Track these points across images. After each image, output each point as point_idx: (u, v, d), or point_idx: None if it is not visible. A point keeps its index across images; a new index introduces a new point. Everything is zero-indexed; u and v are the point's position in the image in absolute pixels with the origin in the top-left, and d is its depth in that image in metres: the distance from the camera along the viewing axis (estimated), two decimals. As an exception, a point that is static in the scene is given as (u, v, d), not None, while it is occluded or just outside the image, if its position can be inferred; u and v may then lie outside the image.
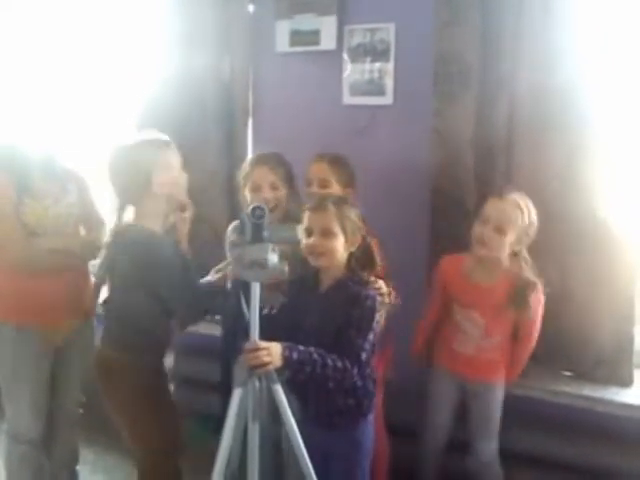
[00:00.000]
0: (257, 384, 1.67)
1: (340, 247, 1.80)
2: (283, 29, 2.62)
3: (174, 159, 2.00)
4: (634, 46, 2.09)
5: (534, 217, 2.07)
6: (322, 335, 1.78)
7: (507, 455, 2.33)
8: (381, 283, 1.97)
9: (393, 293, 2.03)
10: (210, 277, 2.07)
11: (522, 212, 2.04)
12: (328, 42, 2.55)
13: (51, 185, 2.18)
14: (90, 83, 3.19)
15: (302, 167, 2.26)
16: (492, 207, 2.08)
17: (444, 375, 2.28)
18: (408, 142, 2.51)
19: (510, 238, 2.05)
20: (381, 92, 2.53)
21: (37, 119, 2.22)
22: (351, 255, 1.84)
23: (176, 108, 2.72)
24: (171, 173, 1.97)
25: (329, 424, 1.87)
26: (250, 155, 2.30)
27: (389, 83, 2.51)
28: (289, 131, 2.68)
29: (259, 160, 2.24)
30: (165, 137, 2.02)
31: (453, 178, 2.37)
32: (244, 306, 1.70)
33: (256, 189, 2.17)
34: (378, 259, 1.87)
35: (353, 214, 1.82)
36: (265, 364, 1.64)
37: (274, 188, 2.17)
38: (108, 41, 3.05)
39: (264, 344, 1.66)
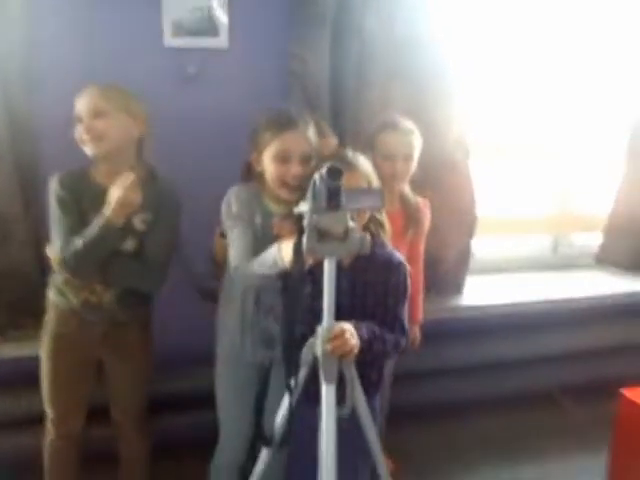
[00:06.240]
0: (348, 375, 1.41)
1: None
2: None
3: None
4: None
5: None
6: (359, 314, 1.58)
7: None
8: None
9: None
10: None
11: (417, 135, 2.08)
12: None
13: None
14: None
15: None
16: (395, 141, 2.05)
17: None
18: (247, 88, 2.28)
19: (415, 163, 2.09)
20: (214, 33, 2.20)
21: None
22: (368, 220, 1.64)
23: None
24: None
25: None
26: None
27: (223, 22, 2.20)
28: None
29: (285, 123, 1.69)
30: None
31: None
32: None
33: (283, 160, 1.68)
34: (387, 222, 1.72)
35: (375, 175, 1.64)
36: (353, 348, 1.40)
37: (305, 161, 1.68)
38: None
39: (346, 325, 1.40)
